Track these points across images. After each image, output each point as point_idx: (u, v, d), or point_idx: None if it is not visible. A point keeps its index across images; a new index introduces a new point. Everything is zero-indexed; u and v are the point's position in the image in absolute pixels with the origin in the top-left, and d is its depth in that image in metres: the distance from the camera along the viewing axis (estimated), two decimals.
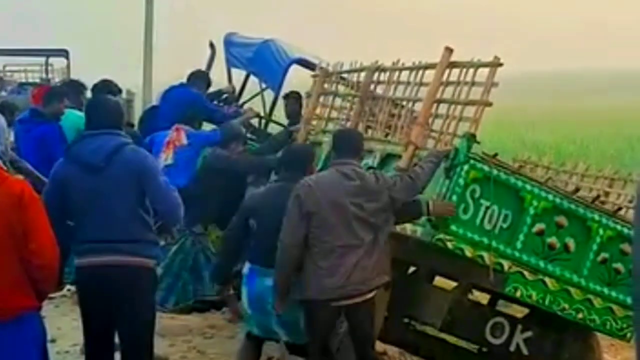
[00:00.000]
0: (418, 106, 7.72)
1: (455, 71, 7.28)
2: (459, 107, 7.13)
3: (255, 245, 6.81)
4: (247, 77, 12.22)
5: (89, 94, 10.46)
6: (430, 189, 6.77)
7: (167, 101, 10.70)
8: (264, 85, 12.00)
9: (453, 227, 6.76)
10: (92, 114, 6.26)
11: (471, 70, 7.08)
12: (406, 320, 8.11)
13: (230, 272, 7.29)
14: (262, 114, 11.78)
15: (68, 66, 21.25)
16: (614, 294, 7.34)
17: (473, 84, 7.05)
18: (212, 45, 11.65)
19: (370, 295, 6.42)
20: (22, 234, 5.06)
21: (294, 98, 11.03)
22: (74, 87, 10.47)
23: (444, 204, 6.66)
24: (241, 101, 11.99)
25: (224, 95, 11.71)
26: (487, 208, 6.84)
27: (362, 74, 8.71)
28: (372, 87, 8.51)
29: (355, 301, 6.36)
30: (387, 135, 8.19)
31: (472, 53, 7.25)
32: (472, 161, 6.71)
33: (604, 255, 7.28)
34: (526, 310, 8.21)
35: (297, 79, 11.51)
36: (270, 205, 6.68)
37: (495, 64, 6.86)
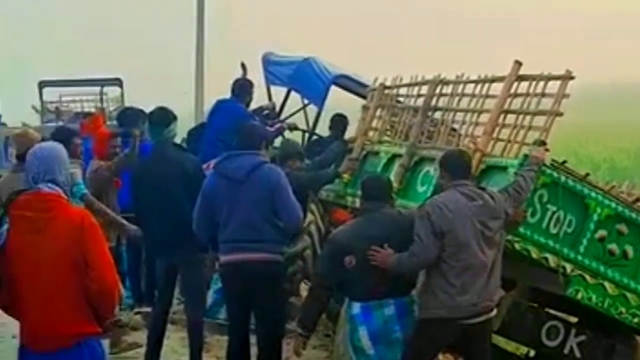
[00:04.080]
0: (483, 117, 7.81)
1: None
2: (528, 117, 7.21)
3: (358, 281, 6.48)
4: (287, 93, 12.20)
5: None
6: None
7: (217, 114, 10.65)
8: (306, 101, 12.01)
9: (521, 229, 6.79)
10: (237, 137, 7.33)
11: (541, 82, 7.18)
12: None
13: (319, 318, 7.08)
14: (305, 128, 11.77)
15: (122, 95, 21.11)
16: None
17: (543, 95, 7.14)
18: (243, 66, 11.61)
19: (493, 314, 6.35)
20: (82, 262, 5.01)
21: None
22: (126, 116, 10.36)
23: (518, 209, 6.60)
24: (282, 117, 11.94)
25: (265, 112, 11.59)
26: (554, 213, 6.90)
27: (424, 87, 8.78)
28: (434, 99, 8.53)
29: (481, 319, 6.24)
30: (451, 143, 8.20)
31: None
32: (542, 167, 6.74)
33: None
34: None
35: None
36: (367, 238, 6.43)
37: (567, 77, 6.97)
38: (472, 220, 6.17)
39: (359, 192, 7.04)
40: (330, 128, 11.38)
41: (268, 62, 12.57)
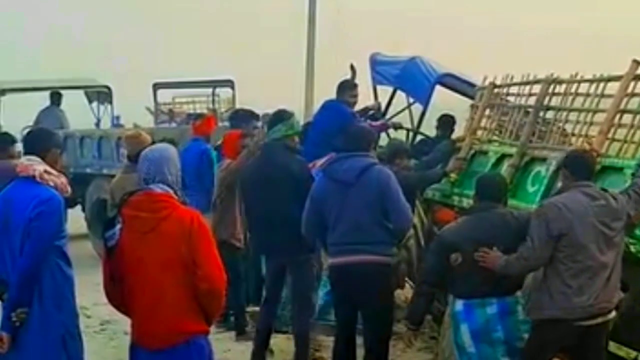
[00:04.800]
0: (597, 117, 7.55)
1: None
2: None
3: (464, 279, 6.35)
4: (393, 92, 12.01)
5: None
6: None
7: (321, 114, 10.63)
8: (411, 100, 11.79)
9: (637, 231, 6.49)
10: (345, 139, 7.23)
11: None
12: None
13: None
14: (409, 127, 11.58)
15: (234, 96, 21.15)
16: None
17: None
18: (352, 67, 11.52)
19: (611, 316, 6.12)
20: (191, 261, 5.04)
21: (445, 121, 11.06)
22: (238, 117, 10.39)
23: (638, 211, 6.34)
24: (388, 116, 11.80)
25: (370, 112, 11.54)
26: None
27: (535, 87, 8.54)
28: (547, 98, 8.28)
29: (598, 321, 6.05)
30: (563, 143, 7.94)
31: None
32: None
33: None
34: None
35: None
36: (475, 237, 6.30)
37: None
38: (593, 220, 5.96)
39: (473, 191, 6.88)
40: (438, 128, 11.31)
41: (375, 63, 12.44)
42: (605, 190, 6.19)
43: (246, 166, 8.29)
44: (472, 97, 10.76)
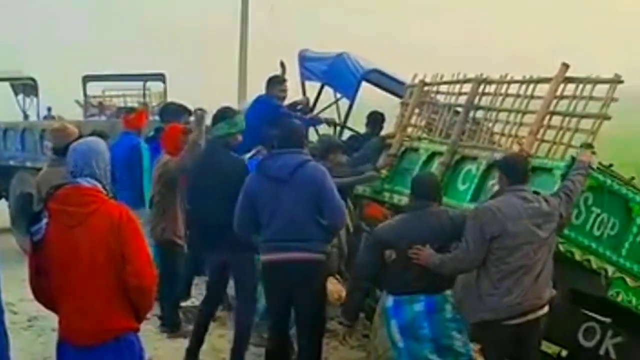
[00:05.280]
0: (526, 118, 7.56)
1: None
2: (574, 120, 6.97)
3: (396, 276, 6.39)
4: (321, 88, 12.09)
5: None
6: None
7: (253, 108, 10.59)
8: (338, 95, 11.85)
9: (565, 231, 6.59)
10: (281, 136, 7.11)
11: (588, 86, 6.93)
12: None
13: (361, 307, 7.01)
14: (337, 121, 11.56)
15: (165, 90, 20.96)
16: None
17: (590, 98, 6.90)
18: (282, 64, 11.49)
19: (541, 313, 6.14)
20: (120, 256, 4.89)
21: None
22: (168, 110, 10.19)
23: None
24: (315, 111, 11.83)
25: (299, 107, 11.46)
26: (598, 215, 6.72)
27: (465, 86, 8.54)
28: (477, 98, 8.28)
29: (528, 318, 6.07)
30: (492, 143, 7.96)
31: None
32: (588, 169, 6.54)
33: None
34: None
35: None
36: (409, 234, 6.35)
37: (615, 81, 6.71)
38: (526, 222, 6.02)
39: (406, 189, 6.96)
40: (367, 125, 11.29)
41: (304, 59, 12.52)
42: (537, 193, 6.23)
43: (188, 163, 8.14)
44: (398, 95, 10.87)
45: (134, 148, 9.73)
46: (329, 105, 12.02)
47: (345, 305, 6.82)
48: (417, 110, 9.37)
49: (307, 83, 12.33)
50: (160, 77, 20.84)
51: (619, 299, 6.84)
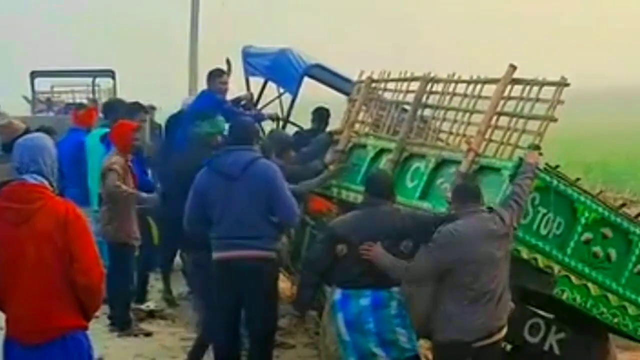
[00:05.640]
0: (474, 117, 7.58)
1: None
2: (521, 121, 7.00)
3: (345, 270, 6.45)
4: (264, 83, 12.13)
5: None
6: (493, 194, 6.62)
7: (196, 102, 10.59)
8: (281, 90, 11.87)
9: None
10: (233, 133, 7.09)
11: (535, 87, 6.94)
12: None
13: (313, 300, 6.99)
14: (280, 117, 11.63)
15: (114, 87, 20.73)
16: None
17: (537, 100, 6.91)
18: (228, 62, 11.47)
19: (502, 334, 6.20)
20: (67, 254, 4.79)
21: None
22: (111, 107, 10.11)
23: None
24: (259, 107, 11.87)
25: (243, 102, 11.49)
26: (544, 215, 6.73)
27: (412, 84, 8.54)
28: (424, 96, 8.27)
29: (493, 340, 6.11)
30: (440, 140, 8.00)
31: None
32: (535, 171, 6.56)
33: None
34: None
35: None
36: (362, 229, 6.40)
37: (562, 84, 6.75)
38: (486, 246, 6.06)
39: (358, 186, 7.10)
40: (313, 120, 11.30)
41: (247, 55, 12.50)
42: (491, 209, 6.26)
43: (165, 160, 8.06)
44: (340, 90, 11.00)
45: (82, 145, 9.59)
46: (272, 101, 12.04)
47: (296, 297, 6.81)
48: (364, 107, 9.36)
49: (251, 79, 12.28)
50: (110, 74, 20.62)
51: (564, 296, 6.88)
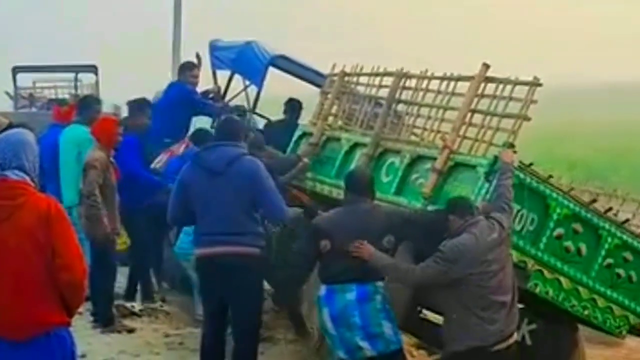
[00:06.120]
0: (447, 114, 7.62)
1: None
2: (495, 119, 7.05)
3: (328, 265, 6.49)
4: (231, 76, 12.18)
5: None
6: (469, 191, 6.71)
7: (166, 94, 10.53)
8: (247, 83, 11.93)
9: None
10: (219, 129, 7.09)
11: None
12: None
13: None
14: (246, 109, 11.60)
15: (97, 82, 20.49)
16: (614, 295, 7.37)
17: (510, 99, 6.97)
18: (198, 56, 11.50)
19: (515, 337, 6.26)
20: (50, 250, 4.72)
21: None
22: (86, 103, 9.90)
23: None
24: (226, 99, 11.92)
25: (211, 95, 11.63)
26: (519, 211, 6.78)
27: (386, 79, 8.56)
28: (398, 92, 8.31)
29: (509, 343, 6.14)
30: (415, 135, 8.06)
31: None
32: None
33: (609, 260, 7.31)
34: None
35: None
36: (345, 227, 6.44)
37: (535, 84, 6.80)
38: (491, 253, 6.09)
39: (329, 178, 7.22)
40: (285, 112, 11.32)
41: (214, 48, 12.52)
42: (487, 217, 6.26)
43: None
44: (306, 80, 11.15)
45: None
46: (239, 93, 12.08)
47: (276, 293, 6.80)
48: (336, 101, 9.36)
49: (219, 72, 12.30)
50: (92, 69, 20.44)
51: (537, 290, 6.96)
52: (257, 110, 11.76)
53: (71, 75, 20.99)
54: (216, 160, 6.67)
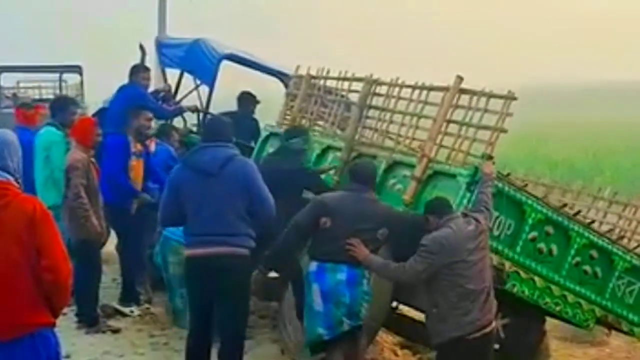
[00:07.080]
0: (421, 122, 7.77)
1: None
2: (471, 129, 7.20)
3: (324, 243, 6.58)
4: (181, 75, 11.92)
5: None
6: (451, 200, 6.78)
7: (118, 98, 10.37)
8: (198, 82, 11.71)
9: None
10: (209, 130, 6.93)
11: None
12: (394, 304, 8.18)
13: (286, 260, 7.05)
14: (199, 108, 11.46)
15: (81, 82, 20.08)
16: (582, 291, 7.64)
17: (486, 111, 7.13)
18: (141, 47, 11.35)
19: (493, 326, 6.34)
20: (35, 251, 4.63)
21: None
22: (61, 105, 9.78)
23: None
24: (177, 98, 11.73)
25: (161, 94, 11.37)
26: (497, 217, 7.01)
27: (354, 83, 8.67)
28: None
29: (485, 331, 6.24)
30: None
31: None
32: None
33: (577, 259, 7.57)
34: None
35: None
36: (348, 210, 6.57)
37: (510, 97, 6.92)
38: (469, 244, 6.21)
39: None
40: (239, 106, 11.24)
41: (161, 45, 12.33)
42: (465, 214, 6.44)
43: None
44: (263, 70, 11.26)
45: (30, 144, 9.38)
46: (190, 92, 11.84)
47: (271, 253, 6.79)
48: (303, 104, 9.42)
49: (168, 70, 12.11)
50: (77, 69, 20.08)
51: (515, 290, 7.19)
52: (210, 110, 11.38)
53: (56, 75, 20.58)
54: (210, 161, 6.54)
